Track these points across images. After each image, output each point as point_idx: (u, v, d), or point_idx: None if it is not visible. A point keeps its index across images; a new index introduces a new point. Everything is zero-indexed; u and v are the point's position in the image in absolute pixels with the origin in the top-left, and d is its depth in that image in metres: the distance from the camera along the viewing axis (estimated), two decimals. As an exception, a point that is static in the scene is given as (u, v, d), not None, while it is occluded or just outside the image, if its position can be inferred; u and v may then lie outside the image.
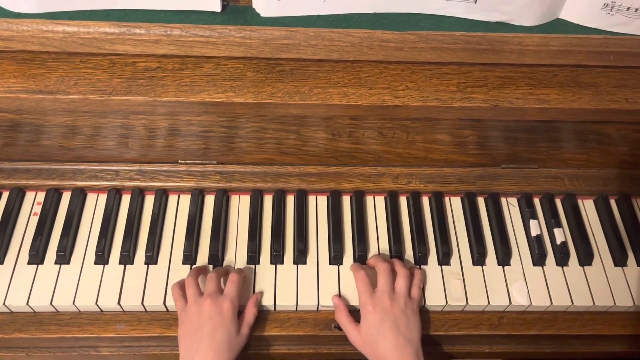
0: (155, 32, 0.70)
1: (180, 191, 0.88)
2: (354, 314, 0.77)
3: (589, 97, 0.75)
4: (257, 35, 0.70)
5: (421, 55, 0.73)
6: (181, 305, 0.74)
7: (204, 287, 0.75)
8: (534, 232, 0.86)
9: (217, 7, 0.71)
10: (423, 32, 0.71)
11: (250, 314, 0.76)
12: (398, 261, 0.80)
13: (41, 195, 0.86)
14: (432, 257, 0.84)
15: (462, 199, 0.90)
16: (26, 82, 0.71)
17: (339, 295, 0.79)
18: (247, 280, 0.80)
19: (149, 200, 0.87)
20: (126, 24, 0.69)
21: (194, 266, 0.81)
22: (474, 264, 0.84)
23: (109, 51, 0.71)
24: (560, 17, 0.74)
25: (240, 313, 0.75)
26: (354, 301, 0.79)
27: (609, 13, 0.71)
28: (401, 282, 0.76)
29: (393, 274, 0.78)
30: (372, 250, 0.84)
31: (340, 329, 0.78)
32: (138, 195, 0.86)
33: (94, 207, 0.86)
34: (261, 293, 0.79)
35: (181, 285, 0.77)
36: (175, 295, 0.76)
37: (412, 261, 0.84)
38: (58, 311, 0.78)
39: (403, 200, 0.90)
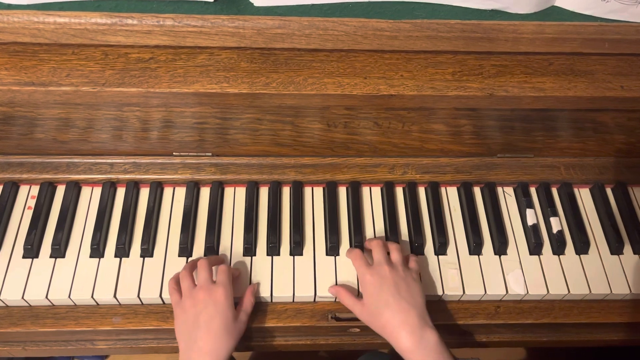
0: (147, 23, 0.69)
1: (175, 184, 0.88)
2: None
3: (585, 85, 0.75)
4: (251, 25, 0.70)
5: (416, 44, 0.73)
6: (176, 298, 0.74)
7: (197, 278, 0.75)
8: (531, 221, 0.86)
9: (210, -3, 0.70)
10: (418, 21, 0.71)
11: (248, 302, 0.75)
12: (391, 242, 0.80)
13: (35, 189, 0.86)
14: (429, 247, 0.84)
15: (458, 189, 0.90)
16: (18, 74, 0.71)
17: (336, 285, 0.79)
18: (243, 272, 0.80)
19: (144, 193, 0.87)
20: (118, 14, 0.68)
21: (189, 259, 0.81)
22: (470, 253, 0.84)
23: (101, 42, 0.71)
24: (555, 4, 0.74)
25: (236, 305, 0.75)
26: (352, 290, 0.78)
27: (604, 0, 0.71)
28: (396, 254, 0.76)
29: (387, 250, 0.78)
30: (369, 240, 0.84)
31: (337, 319, 0.78)
32: (133, 188, 0.86)
33: (89, 200, 0.86)
34: (258, 284, 0.79)
35: (177, 279, 0.77)
36: (170, 289, 0.75)
37: (409, 251, 0.84)
38: (54, 305, 0.77)
39: (399, 191, 0.89)
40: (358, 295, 0.77)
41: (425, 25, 0.71)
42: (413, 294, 0.72)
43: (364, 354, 0.97)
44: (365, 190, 0.89)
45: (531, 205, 0.88)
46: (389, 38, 0.72)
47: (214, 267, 0.78)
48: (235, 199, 0.87)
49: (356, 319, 0.76)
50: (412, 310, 0.70)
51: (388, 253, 0.78)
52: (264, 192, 0.88)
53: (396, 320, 0.69)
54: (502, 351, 1.44)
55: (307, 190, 0.89)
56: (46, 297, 0.76)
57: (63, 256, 0.80)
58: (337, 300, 0.79)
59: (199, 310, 0.70)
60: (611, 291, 0.81)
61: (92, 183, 0.87)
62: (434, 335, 0.68)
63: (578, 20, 0.73)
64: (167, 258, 0.81)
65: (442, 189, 0.90)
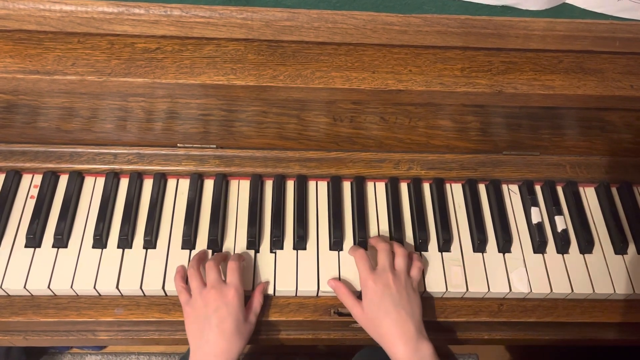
0: (154, 12, 0.68)
1: (179, 175, 0.87)
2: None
3: (594, 84, 0.75)
4: (259, 16, 0.69)
5: (425, 39, 0.72)
6: (185, 298, 0.74)
7: (205, 275, 0.75)
8: (535, 219, 0.86)
9: (218, -13, 0.69)
10: (428, 16, 0.70)
11: (257, 302, 0.75)
12: (396, 243, 0.80)
13: (38, 178, 0.85)
14: (433, 243, 0.84)
15: (463, 186, 0.90)
16: (23, 62, 0.70)
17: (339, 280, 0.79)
18: (247, 266, 0.80)
19: (148, 184, 0.86)
20: (125, 3, 0.68)
21: (193, 252, 0.80)
22: (474, 250, 0.83)
23: (107, 31, 0.70)
24: (566, 1, 0.73)
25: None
26: (354, 287, 0.78)
27: (616, -2, 0.70)
28: (400, 261, 0.76)
29: (392, 255, 0.77)
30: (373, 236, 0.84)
31: (340, 314, 0.78)
32: (136, 179, 0.85)
33: (92, 190, 0.85)
34: (267, 282, 0.78)
35: (182, 276, 0.76)
36: (178, 288, 0.75)
37: (413, 248, 0.83)
38: (56, 295, 0.77)
39: (404, 187, 0.89)
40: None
41: (435, 20, 0.70)
42: (412, 305, 0.72)
43: (363, 349, 0.97)
44: (369, 185, 0.89)
45: (536, 204, 0.88)
46: (398, 32, 0.71)
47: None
48: (239, 192, 0.86)
49: (359, 315, 0.76)
50: (410, 321, 0.70)
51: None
52: (268, 186, 0.87)
53: (394, 330, 0.70)
54: (500, 347, 1.45)
55: (312, 185, 0.88)
56: (48, 287, 0.76)
57: (65, 246, 0.80)
58: (338, 295, 0.78)
59: (210, 311, 0.70)
60: (615, 291, 0.81)
61: (96, 173, 0.86)
62: (429, 348, 0.69)
63: (589, 18, 0.72)
64: (170, 250, 0.80)
65: (447, 186, 0.89)
